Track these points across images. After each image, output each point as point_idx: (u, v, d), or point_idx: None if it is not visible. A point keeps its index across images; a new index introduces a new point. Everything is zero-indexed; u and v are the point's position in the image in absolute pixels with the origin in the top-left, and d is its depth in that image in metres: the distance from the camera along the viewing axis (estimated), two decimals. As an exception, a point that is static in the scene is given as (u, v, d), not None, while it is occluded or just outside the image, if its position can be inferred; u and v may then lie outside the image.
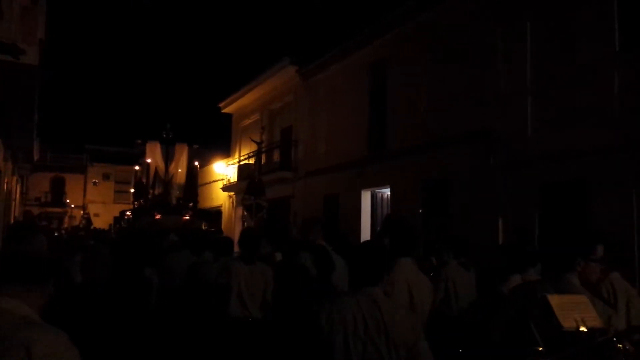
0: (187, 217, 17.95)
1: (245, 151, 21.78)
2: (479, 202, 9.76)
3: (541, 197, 8.89)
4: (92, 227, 23.74)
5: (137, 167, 27.89)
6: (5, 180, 13.27)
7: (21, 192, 26.41)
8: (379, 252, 2.91)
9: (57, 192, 44.24)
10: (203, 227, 19.06)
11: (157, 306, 6.49)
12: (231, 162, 22.44)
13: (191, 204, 19.84)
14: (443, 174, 10.84)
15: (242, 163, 21.14)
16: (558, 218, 8.55)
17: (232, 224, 21.31)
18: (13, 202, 18.60)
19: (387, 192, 13.34)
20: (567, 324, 2.61)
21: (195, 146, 25.88)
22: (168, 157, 20.03)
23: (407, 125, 12.12)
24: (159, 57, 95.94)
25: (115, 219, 26.90)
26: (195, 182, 23.54)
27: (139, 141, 25.50)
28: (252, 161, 20.47)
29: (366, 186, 13.69)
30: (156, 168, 20.60)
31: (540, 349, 2.56)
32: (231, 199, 22.47)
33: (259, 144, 15.80)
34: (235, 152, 22.85)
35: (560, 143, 8.41)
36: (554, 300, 2.73)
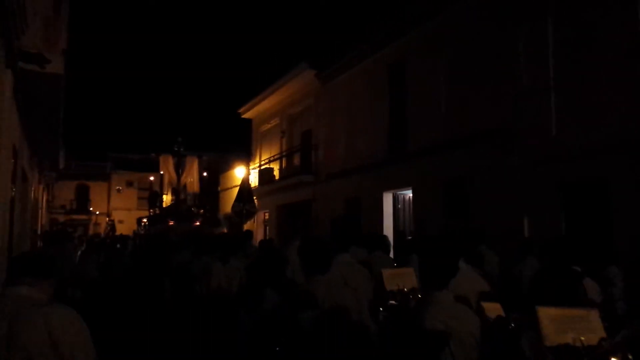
0: (198, 224, 18.58)
1: (265, 156, 21.88)
2: (503, 202, 9.64)
3: (565, 196, 8.76)
4: (115, 234, 24.24)
5: (151, 178, 29.04)
6: (32, 188, 13.52)
7: (47, 200, 26.85)
8: (325, 248, 3.76)
9: (82, 200, 45.00)
10: (224, 231, 19.47)
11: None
12: (252, 166, 22.58)
13: (202, 211, 20.64)
14: (465, 174, 10.74)
15: (262, 167, 21.25)
16: (582, 216, 8.43)
17: (254, 227, 21.40)
18: (40, 210, 18.92)
19: (409, 193, 13.26)
20: (390, 287, 3.90)
21: (204, 157, 26.71)
22: (179, 169, 21.02)
23: (428, 126, 12.04)
24: (179, 64, 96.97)
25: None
26: (207, 191, 24.35)
27: (153, 154, 26.63)
28: (273, 165, 20.63)
29: (388, 188, 13.63)
30: (169, 179, 21.63)
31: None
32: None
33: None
34: (255, 157, 22.97)
35: (583, 141, 8.28)
36: (386, 272, 4.07)
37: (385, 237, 9.28)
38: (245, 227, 14.88)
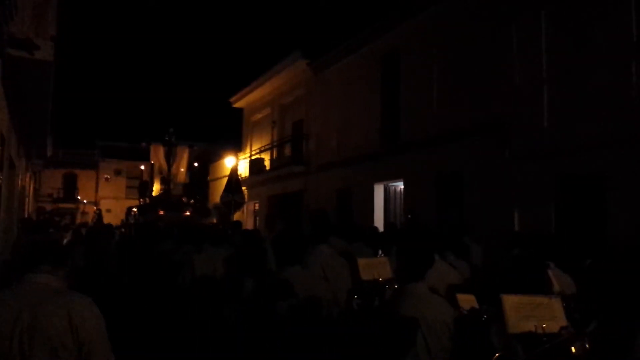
0: (188, 213, 18.73)
1: (256, 146, 21.78)
2: (494, 195, 9.68)
3: (557, 190, 8.79)
4: (103, 222, 24.10)
5: (142, 167, 29.17)
6: (20, 176, 13.35)
7: (34, 189, 26.59)
8: (297, 240, 3.90)
9: (69, 188, 44.54)
10: (213, 222, 19.56)
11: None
12: (242, 156, 22.48)
13: (192, 201, 20.76)
14: (457, 167, 10.75)
15: (253, 157, 21.16)
16: (575, 211, 8.47)
17: (244, 218, 21.36)
18: (27, 199, 18.71)
19: (400, 185, 13.27)
20: (366, 277, 3.99)
21: (195, 147, 26.72)
22: (170, 158, 21.12)
23: (420, 118, 12.03)
24: (168, 53, 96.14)
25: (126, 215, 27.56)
26: (198, 181, 24.40)
27: (144, 144, 26.86)
28: (263, 155, 20.55)
29: (379, 179, 13.63)
30: (159, 168, 21.72)
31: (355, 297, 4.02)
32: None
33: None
34: (246, 147, 22.86)
35: (576, 135, 8.30)
36: (361, 262, 4.13)
37: (375, 229, 9.32)
38: (235, 217, 14.81)
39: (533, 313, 2.57)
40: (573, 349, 2.40)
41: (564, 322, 2.56)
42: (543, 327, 2.50)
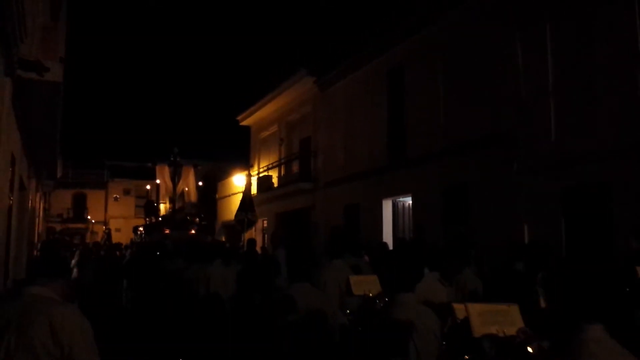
0: (193, 232, 19.05)
1: (264, 163, 21.84)
2: (503, 208, 9.62)
3: (565, 202, 8.74)
4: (112, 242, 24.27)
5: (148, 187, 29.66)
6: (30, 197, 13.44)
7: (44, 209, 26.75)
8: (307, 256, 4.16)
9: (79, 208, 44.84)
10: (222, 239, 19.65)
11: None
12: (252, 173, 22.54)
13: (197, 220, 21.04)
14: (465, 180, 10.72)
15: (261, 175, 21.20)
16: (583, 223, 8.40)
17: (254, 235, 21.35)
18: (37, 219, 18.82)
19: (408, 200, 13.22)
20: (357, 292, 4.33)
21: (199, 167, 27.10)
22: (175, 178, 21.48)
23: (427, 132, 12.02)
24: (176, 72, 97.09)
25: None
26: (203, 199, 24.67)
27: (150, 164, 27.30)
28: (272, 173, 20.59)
29: (387, 195, 13.59)
30: (165, 188, 22.06)
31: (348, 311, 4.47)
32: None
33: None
34: (254, 164, 22.93)
35: (583, 146, 8.27)
36: (352, 279, 4.48)
37: (385, 245, 9.30)
38: (247, 235, 14.83)
39: (495, 319, 2.88)
40: (530, 350, 2.63)
41: (521, 325, 2.84)
42: (504, 331, 2.81)
